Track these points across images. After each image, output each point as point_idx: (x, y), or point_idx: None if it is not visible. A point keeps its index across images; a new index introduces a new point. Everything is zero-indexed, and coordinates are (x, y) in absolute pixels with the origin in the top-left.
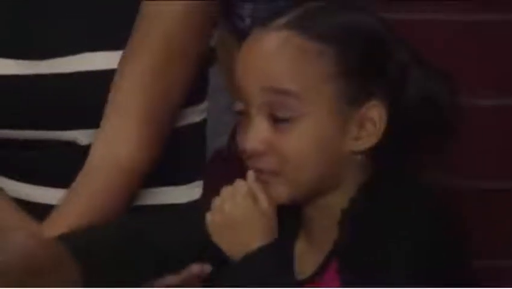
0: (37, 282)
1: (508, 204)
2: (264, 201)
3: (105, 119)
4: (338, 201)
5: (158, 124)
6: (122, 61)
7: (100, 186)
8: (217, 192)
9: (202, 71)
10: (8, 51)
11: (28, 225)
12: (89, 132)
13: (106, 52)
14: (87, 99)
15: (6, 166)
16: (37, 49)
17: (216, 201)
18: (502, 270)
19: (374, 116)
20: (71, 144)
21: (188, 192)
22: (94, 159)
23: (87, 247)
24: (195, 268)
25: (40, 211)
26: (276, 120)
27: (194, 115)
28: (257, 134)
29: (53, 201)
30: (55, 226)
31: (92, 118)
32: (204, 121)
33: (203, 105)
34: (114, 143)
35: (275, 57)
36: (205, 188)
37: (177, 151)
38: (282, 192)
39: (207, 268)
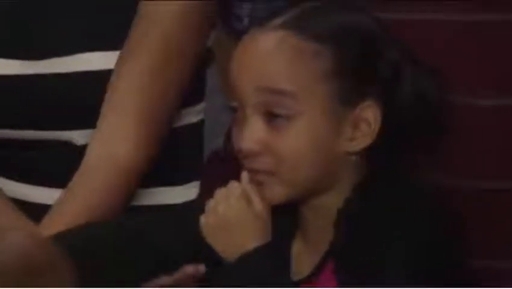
0: (34, 282)
1: (508, 204)
2: (257, 203)
3: (102, 118)
4: (333, 201)
5: (155, 124)
6: (120, 61)
7: (97, 185)
8: (212, 194)
9: (199, 72)
10: (7, 51)
11: (24, 225)
12: (86, 132)
13: (104, 52)
14: (84, 99)
15: (2, 166)
16: (36, 49)
17: (210, 203)
18: (502, 270)
19: (369, 117)
20: (67, 144)
21: (185, 193)
22: (91, 158)
23: (83, 246)
24: (189, 269)
25: (37, 211)
26: (271, 120)
27: (191, 116)
28: (252, 134)
29: (49, 201)
30: (52, 226)
31: (89, 119)
32: (201, 121)
33: (200, 106)
34: (111, 143)
35: (271, 57)
36: (201, 189)
37: (175, 151)
38: (278, 192)
39: (202, 268)
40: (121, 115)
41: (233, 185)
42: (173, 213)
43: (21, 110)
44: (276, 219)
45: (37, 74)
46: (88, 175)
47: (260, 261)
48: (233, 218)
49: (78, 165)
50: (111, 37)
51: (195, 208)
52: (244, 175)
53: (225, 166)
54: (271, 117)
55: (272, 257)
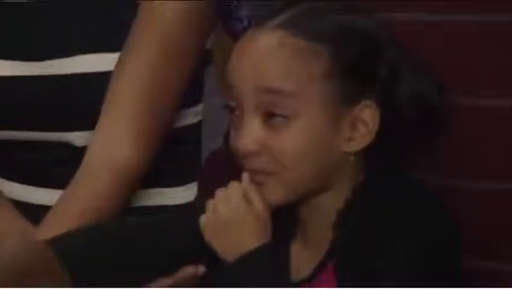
0: (26, 285)
1: (508, 204)
2: (258, 204)
3: (102, 120)
4: (332, 202)
5: (155, 125)
6: (119, 62)
7: (97, 187)
8: (211, 194)
9: (198, 72)
10: (7, 52)
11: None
12: (85, 134)
13: (104, 53)
14: (84, 100)
15: (2, 167)
16: (36, 51)
17: (210, 204)
18: (502, 270)
19: (367, 117)
20: (67, 146)
21: (184, 194)
22: (90, 159)
23: (82, 248)
24: (189, 270)
25: (36, 212)
26: (269, 120)
27: (190, 117)
28: (250, 134)
29: (49, 203)
30: (51, 227)
31: (89, 120)
32: (200, 122)
33: (199, 107)
34: (111, 144)
35: (270, 56)
36: (199, 190)
37: (174, 153)
38: (277, 192)
39: (201, 269)
40: (121, 116)
41: (233, 185)
42: (170, 214)
43: (21, 111)
44: (275, 220)
45: (37, 75)
46: (88, 176)
47: (260, 262)
48: (233, 218)
49: (77, 166)
50: (111, 39)
51: (194, 208)
52: (245, 176)
53: (224, 167)
54: (269, 116)
55: (272, 257)
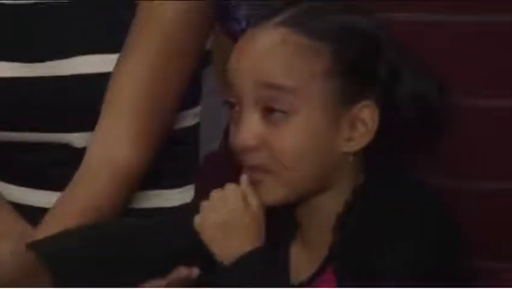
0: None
1: (508, 204)
2: (255, 206)
3: (102, 119)
4: (332, 203)
5: (155, 126)
6: (119, 62)
7: (97, 187)
8: (206, 196)
9: (197, 73)
10: (6, 53)
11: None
12: (85, 135)
13: (103, 54)
14: (83, 101)
15: (1, 168)
16: (35, 52)
17: (206, 205)
18: (502, 270)
19: (366, 117)
20: (67, 147)
21: (180, 196)
22: (90, 160)
23: (80, 248)
24: (183, 271)
25: (35, 214)
26: (269, 115)
27: (188, 119)
28: (250, 129)
29: (48, 204)
30: (50, 227)
31: (88, 121)
32: (198, 124)
33: (197, 109)
34: (111, 145)
35: (271, 52)
36: (196, 191)
37: (172, 154)
38: (276, 192)
39: (195, 271)
40: (120, 116)
41: (229, 186)
42: (166, 216)
43: (20, 112)
44: (274, 221)
45: (37, 76)
46: (87, 176)
47: (257, 263)
48: (229, 220)
49: (76, 168)
50: (110, 40)
51: (191, 209)
52: (244, 178)
53: (221, 168)
54: (269, 112)
55: (270, 259)
